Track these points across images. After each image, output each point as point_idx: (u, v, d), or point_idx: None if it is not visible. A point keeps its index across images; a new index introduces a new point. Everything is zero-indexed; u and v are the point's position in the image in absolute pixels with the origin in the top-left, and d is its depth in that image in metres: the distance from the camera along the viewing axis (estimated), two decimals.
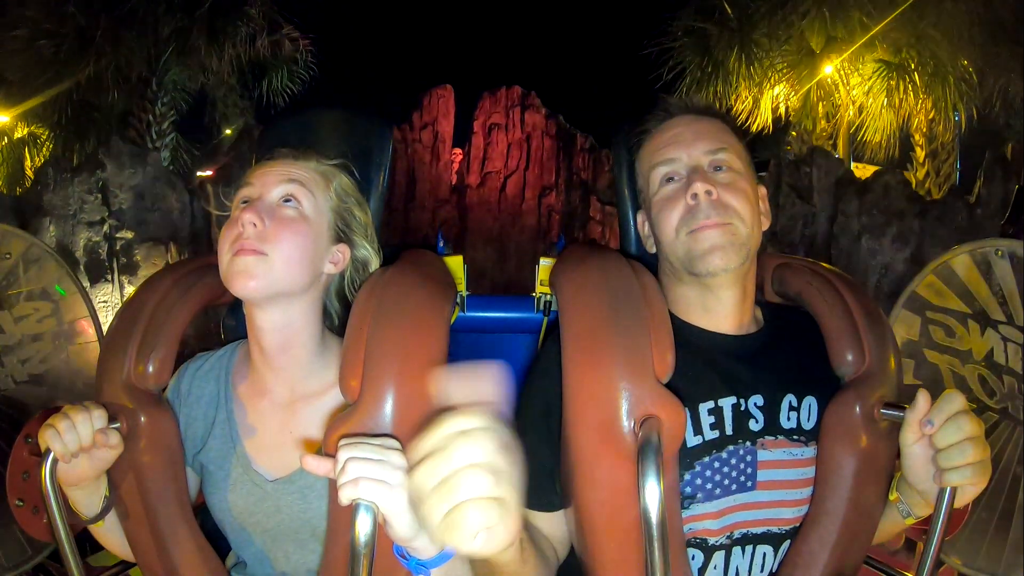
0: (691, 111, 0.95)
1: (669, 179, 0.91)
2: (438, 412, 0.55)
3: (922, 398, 0.75)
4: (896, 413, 0.80)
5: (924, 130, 5.76)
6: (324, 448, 0.77)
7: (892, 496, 0.86)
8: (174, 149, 6.70)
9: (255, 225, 0.85)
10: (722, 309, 0.91)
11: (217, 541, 0.96)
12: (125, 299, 0.97)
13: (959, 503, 0.75)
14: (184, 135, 6.96)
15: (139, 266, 4.42)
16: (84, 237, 4.41)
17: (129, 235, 4.46)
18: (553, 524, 0.87)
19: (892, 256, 4.85)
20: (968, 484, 0.74)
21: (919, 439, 0.77)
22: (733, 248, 0.85)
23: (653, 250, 0.99)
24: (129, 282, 4.35)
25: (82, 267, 4.39)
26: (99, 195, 4.39)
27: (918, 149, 5.87)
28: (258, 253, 0.84)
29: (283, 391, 0.93)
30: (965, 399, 0.75)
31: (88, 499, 0.87)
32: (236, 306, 1.09)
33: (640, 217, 1.01)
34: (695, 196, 0.86)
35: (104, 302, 4.28)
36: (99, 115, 6.23)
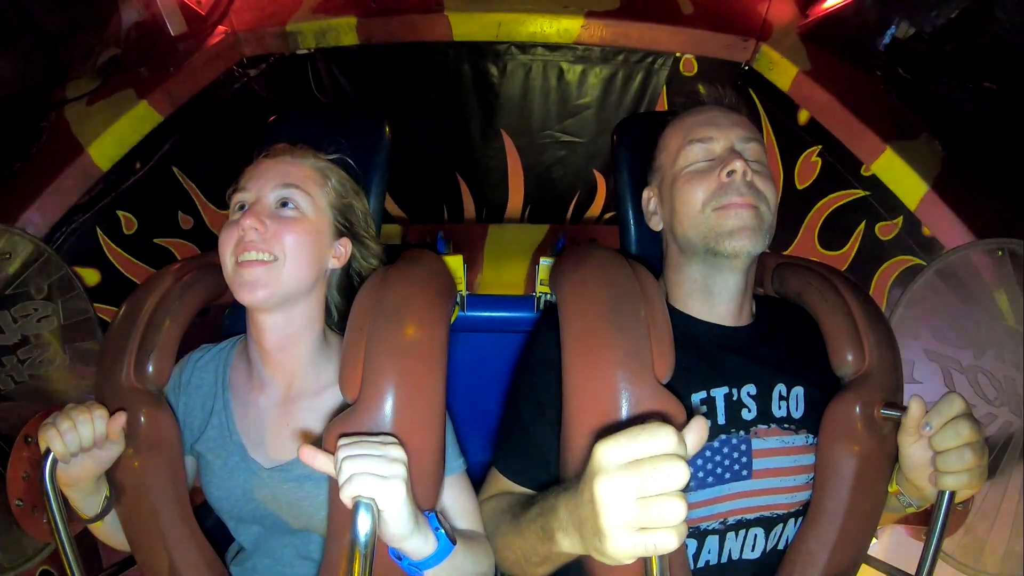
0: (723, 105, 0.97)
1: (700, 156, 0.92)
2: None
3: (915, 404, 0.76)
4: (896, 413, 0.80)
5: None
6: (324, 448, 0.77)
7: (892, 488, 0.86)
8: None
9: (256, 229, 0.85)
10: (724, 294, 0.92)
11: (217, 539, 0.96)
12: (126, 299, 0.97)
13: (955, 500, 0.75)
14: None
15: None
16: None
17: None
18: None
19: None
20: (965, 488, 0.74)
21: (917, 440, 0.77)
22: (760, 232, 0.87)
23: (659, 227, 1.00)
24: None
25: None
26: None
27: None
28: (264, 263, 0.85)
29: (280, 387, 0.93)
30: (965, 402, 0.75)
31: (88, 499, 0.87)
32: (236, 305, 1.09)
33: (647, 193, 1.01)
34: (731, 173, 0.87)
35: None
36: None
